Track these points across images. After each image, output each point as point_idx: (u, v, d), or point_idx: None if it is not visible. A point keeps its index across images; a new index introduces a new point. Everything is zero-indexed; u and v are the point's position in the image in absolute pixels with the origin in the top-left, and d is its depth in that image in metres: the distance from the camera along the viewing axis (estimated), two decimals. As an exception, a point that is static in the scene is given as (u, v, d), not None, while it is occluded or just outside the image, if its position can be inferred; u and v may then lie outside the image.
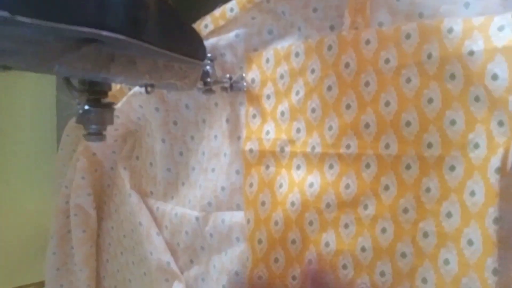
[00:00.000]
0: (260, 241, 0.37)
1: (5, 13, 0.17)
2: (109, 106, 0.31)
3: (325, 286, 0.34)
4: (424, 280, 0.30)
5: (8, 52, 0.20)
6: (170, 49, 0.28)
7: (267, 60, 0.37)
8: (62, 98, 0.53)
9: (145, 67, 0.28)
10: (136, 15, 0.24)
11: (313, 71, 0.34)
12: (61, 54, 0.22)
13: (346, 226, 0.34)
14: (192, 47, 0.31)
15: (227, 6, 0.37)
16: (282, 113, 0.36)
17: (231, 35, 0.38)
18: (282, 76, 0.36)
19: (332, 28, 0.34)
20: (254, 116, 0.38)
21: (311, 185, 0.35)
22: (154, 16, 0.26)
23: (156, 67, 0.28)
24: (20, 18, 0.17)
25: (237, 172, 0.39)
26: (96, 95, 0.30)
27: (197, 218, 0.41)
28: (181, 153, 0.44)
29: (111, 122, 0.31)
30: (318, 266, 0.35)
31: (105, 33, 0.21)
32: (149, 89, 0.31)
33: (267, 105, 0.37)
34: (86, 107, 0.30)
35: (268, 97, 0.37)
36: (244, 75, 0.39)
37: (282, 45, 0.36)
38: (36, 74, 0.55)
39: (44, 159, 0.58)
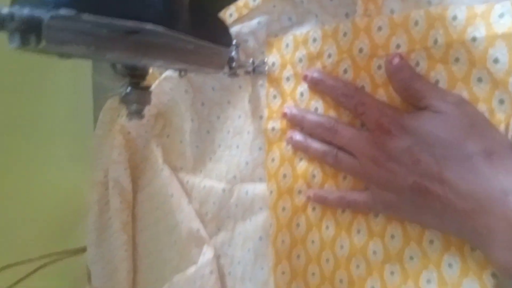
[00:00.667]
0: (283, 209, 0.41)
1: (72, 12, 0.21)
2: (147, 89, 0.35)
3: None
4: (431, 242, 0.33)
5: (68, 42, 0.24)
6: (200, 37, 0.31)
7: (287, 45, 0.40)
8: (98, 80, 0.58)
9: (178, 53, 0.31)
10: (172, 8, 0.27)
11: (329, 55, 0.37)
12: (112, 44, 0.26)
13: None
14: (218, 35, 0.35)
15: (250, -5, 0.41)
16: (301, 94, 0.40)
17: (254, 22, 0.42)
18: (300, 60, 0.39)
19: (347, 15, 0.37)
20: (274, 97, 0.41)
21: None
22: (186, 8, 0.29)
23: (187, 53, 0.32)
24: (85, 17, 0.21)
25: (260, 148, 0.43)
26: (136, 79, 0.34)
27: (223, 190, 0.45)
28: (208, 132, 0.47)
29: (149, 102, 0.35)
30: None
31: (148, 26, 0.25)
32: (182, 73, 0.35)
33: (287, 86, 0.40)
34: (128, 89, 0.33)
35: (288, 79, 0.40)
36: (265, 59, 0.42)
37: (301, 31, 0.39)
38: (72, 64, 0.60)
39: (82, 138, 0.63)
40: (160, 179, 0.51)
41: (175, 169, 0.51)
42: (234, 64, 0.40)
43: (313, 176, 0.39)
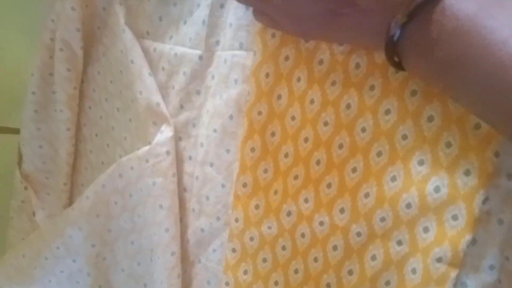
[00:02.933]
0: (267, 75, 0.35)
1: None
2: None
3: None
4: (431, 118, 0.30)
5: None
6: None
7: None
8: None
9: None
10: None
11: None
12: None
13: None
14: None
15: None
16: None
17: None
18: None
19: None
20: None
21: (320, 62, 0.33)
22: None
23: None
24: None
25: (247, 7, 0.37)
26: None
27: (200, 57, 0.39)
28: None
29: None
30: None
31: None
32: None
33: None
34: None
35: None
36: None
37: None
38: None
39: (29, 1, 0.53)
40: (120, 43, 0.43)
41: (140, 36, 0.44)
42: None
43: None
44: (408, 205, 0.30)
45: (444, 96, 0.29)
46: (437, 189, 0.29)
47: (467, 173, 0.28)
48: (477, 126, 0.28)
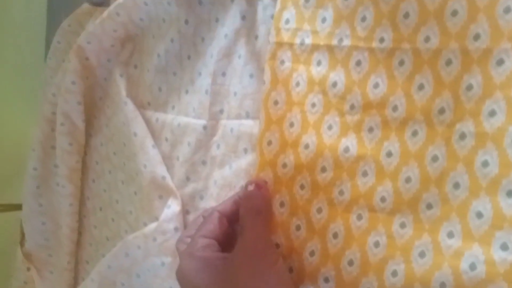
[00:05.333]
0: (269, 143, 0.34)
1: None
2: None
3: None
4: (456, 185, 0.28)
5: None
6: None
7: None
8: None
9: None
10: None
11: None
12: None
13: (371, 130, 0.31)
14: None
15: None
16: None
17: None
18: None
19: None
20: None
21: (334, 84, 0.32)
22: None
23: None
24: None
25: (251, 75, 0.36)
26: None
27: (204, 127, 0.38)
28: (189, 57, 0.40)
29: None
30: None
31: None
32: None
33: None
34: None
35: None
36: (267, -35, 0.35)
37: None
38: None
39: (30, 70, 0.53)
40: (122, 115, 0.43)
41: (141, 106, 0.44)
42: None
43: (313, 105, 0.33)
44: (442, 285, 0.28)
45: (471, 159, 0.27)
46: (472, 267, 0.27)
47: (504, 247, 0.26)
48: (510, 194, 0.26)
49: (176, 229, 0.39)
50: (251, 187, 0.33)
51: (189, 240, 0.33)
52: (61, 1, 0.48)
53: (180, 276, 0.32)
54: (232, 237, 0.34)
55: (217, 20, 0.38)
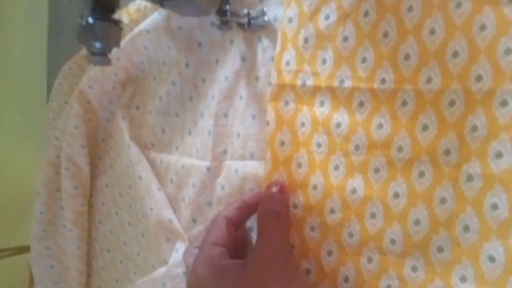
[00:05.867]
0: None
1: None
2: (117, 23, 0.28)
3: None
4: (466, 228, 0.28)
5: None
6: None
7: None
8: (54, 42, 0.49)
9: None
10: None
11: None
12: None
13: (377, 170, 0.31)
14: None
15: None
16: (306, 40, 0.33)
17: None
18: None
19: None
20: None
21: (338, 125, 0.32)
22: None
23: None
24: None
25: (253, 117, 0.36)
26: (103, 4, 0.26)
27: (208, 169, 0.38)
28: (190, 98, 0.40)
29: (117, 44, 0.28)
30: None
31: None
32: (164, 2, 0.28)
33: (288, 29, 0.34)
34: (90, 19, 0.26)
35: (290, 20, 0.34)
36: (265, 9, 0.35)
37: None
38: (26, 17, 0.51)
39: (32, 112, 0.54)
40: (126, 158, 0.43)
41: (145, 147, 0.44)
42: (228, 8, 0.33)
43: (318, 145, 0.33)
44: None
45: (480, 202, 0.27)
46: (489, 312, 0.26)
47: (518, 291, 0.26)
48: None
49: (185, 273, 0.39)
50: (275, 189, 0.33)
51: (196, 251, 0.32)
52: (61, 46, 0.48)
53: (196, 286, 0.30)
54: (238, 243, 0.33)
55: (217, 61, 0.39)
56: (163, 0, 0.27)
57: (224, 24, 0.35)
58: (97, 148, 0.48)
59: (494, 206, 0.27)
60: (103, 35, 0.26)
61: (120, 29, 0.28)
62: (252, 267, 0.29)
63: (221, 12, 0.33)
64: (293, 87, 0.34)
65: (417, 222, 0.30)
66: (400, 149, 0.30)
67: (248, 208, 0.34)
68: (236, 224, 0.33)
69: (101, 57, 0.27)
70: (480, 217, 0.27)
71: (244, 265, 0.30)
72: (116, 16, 0.27)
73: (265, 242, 0.30)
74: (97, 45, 0.27)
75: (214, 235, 0.32)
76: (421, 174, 0.30)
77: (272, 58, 0.35)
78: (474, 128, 0.28)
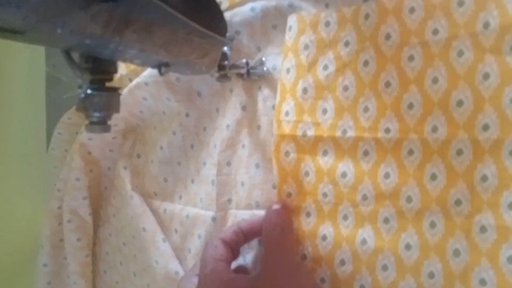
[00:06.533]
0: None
1: None
2: (115, 91, 0.27)
3: None
4: (483, 282, 0.27)
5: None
6: (191, 17, 0.24)
7: (290, 28, 0.34)
8: (52, 94, 0.49)
9: (163, 38, 0.24)
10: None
11: (347, 43, 0.31)
12: (67, 11, 0.19)
13: (386, 220, 0.31)
14: (214, 20, 0.28)
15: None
16: (305, 90, 0.33)
17: (246, 9, 0.35)
18: (306, 47, 0.33)
19: (366, 1, 0.31)
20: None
21: (343, 174, 0.32)
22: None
23: (174, 39, 0.25)
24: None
25: (257, 165, 0.36)
26: (101, 75, 0.26)
27: (213, 219, 0.38)
28: (192, 146, 0.40)
29: (117, 110, 0.28)
30: None
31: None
32: (163, 70, 0.27)
33: (286, 80, 0.34)
34: (89, 91, 0.26)
35: (288, 71, 0.34)
36: (263, 59, 0.35)
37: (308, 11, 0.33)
38: (25, 65, 0.51)
39: (32, 160, 0.53)
40: (129, 209, 0.43)
41: (148, 196, 0.43)
42: (226, 63, 0.33)
43: (325, 195, 0.33)
44: None
45: (495, 254, 0.26)
46: None
47: None
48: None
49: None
50: (276, 206, 0.33)
51: (195, 280, 0.32)
52: (59, 96, 0.48)
53: None
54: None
55: (217, 110, 0.38)
56: (160, 69, 0.27)
57: (223, 76, 0.35)
58: (99, 197, 0.48)
59: (510, 259, 0.26)
60: (102, 105, 0.26)
61: (118, 95, 0.28)
62: (263, 280, 0.29)
63: (220, 67, 0.33)
64: (293, 137, 0.34)
65: (431, 275, 0.29)
66: (409, 199, 0.30)
67: (243, 235, 0.34)
68: (231, 247, 0.33)
69: (101, 126, 0.27)
70: (496, 270, 0.27)
71: (254, 278, 0.30)
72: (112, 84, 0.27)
73: (272, 254, 0.31)
74: (97, 115, 0.26)
75: (215, 252, 0.32)
76: (433, 225, 0.29)
77: (273, 107, 0.35)
78: (484, 178, 0.27)
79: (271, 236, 0.32)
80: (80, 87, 0.26)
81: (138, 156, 0.44)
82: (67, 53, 0.24)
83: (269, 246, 0.31)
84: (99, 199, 0.48)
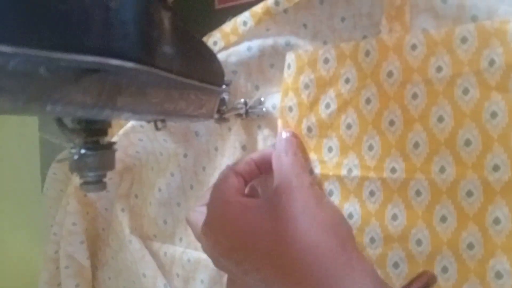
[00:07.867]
0: None
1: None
2: (109, 147, 0.27)
3: None
4: (502, 329, 0.26)
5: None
6: (187, 75, 0.24)
7: (288, 66, 0.33)
8: (45, 137, 0.49)
9: (157, 99, 0.24)
10: (149, 35, 0.20)
11: (347, 80, 0.31)
12: (55, 90, 0.18)
13: (396, 265, 0.30)
14: (211, 71, 0.27)
15: (239, 19, 0.34)
16: (309, 129, 0.32)
17: (242, 48, 0.35)
18: (307, 86, 0.32)
19: (365, 38, 0.30)
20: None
21: (350, 216, 0.31)
22: (168, 35, 0.22)
23: (169, 97, 0.24)
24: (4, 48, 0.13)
25: (259, 207, 0.35)
26: (94, 136, 0.25)
27: (215, 263, 0.37)
28: (191, 187, 0.39)
29: (112, 167, 0.27)
30: None
31: (113, 61, 0.17)
32: (159, 125, 0.27)
33: (289, 118, 0.33)
34: (83, 151, 0.25)
35: (290, 109, 0.33)
36: (262, 99, 0.35)
37: (306, 49, 0.32)
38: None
39: (28, 201, 0.53)
40: (128, 253, 0.42)
41: (147, 238, 0.42)
42: (224, 108, 0.32)
43: None
44: None
45: None
46: None
47: None
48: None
49: None
50: (286, 134, 0.32)
51: (203, 209, 0.30)
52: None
53: (219, 226, 0.28)
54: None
55: (216, 149, 0.38)
56: (157, 125, 0.26)
57: (221, 119, 0.34)
58: (97, 238, 0.47)
59: None
60: (97, 164, 0.25)
61: (113, 151, 0.27)
62: (278, 202, 0.27)
63: (219, 111, 0.32)
64: None
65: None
66: (419, 242, 0.29)
67: (256, 165, 0.31)
68: (243, 177, 0.31)
69: (96, 185, 0.26)
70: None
71: (267, 201, 0.27)
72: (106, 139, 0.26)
73: (286, 176, 0.28)
74: (92, 174, 0.25)
75: (226, 181, 0.29)
76: (445, 270, 0.28)
77: (273, 147, 0.34)
78: (497, 221, 0.27)
79: (282, 161, 0.29)
80: (73, 147, 0.25)
81: (136, 196, 0.43)
82: (58, 120, 0.23)
83: (280, 170, 0.29)
84: (97, 241, 0.47)
